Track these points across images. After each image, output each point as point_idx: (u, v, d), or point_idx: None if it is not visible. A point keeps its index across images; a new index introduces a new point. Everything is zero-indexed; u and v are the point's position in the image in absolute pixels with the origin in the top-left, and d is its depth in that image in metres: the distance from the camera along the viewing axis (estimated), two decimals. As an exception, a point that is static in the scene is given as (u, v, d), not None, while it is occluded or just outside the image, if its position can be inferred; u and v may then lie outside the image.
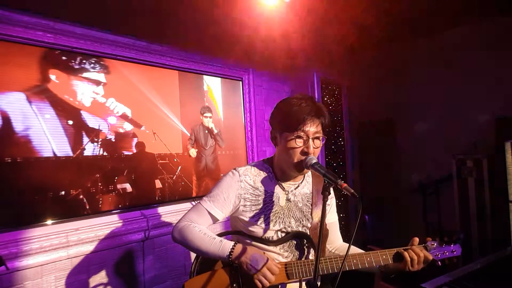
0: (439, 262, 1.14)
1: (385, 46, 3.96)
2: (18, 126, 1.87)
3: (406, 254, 1.08)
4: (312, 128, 1.08)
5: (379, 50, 4.06)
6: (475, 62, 3.31)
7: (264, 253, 1.08)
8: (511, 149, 2.63)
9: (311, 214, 1.20)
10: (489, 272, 1.62)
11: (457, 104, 3.47)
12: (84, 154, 2.13)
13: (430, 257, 1.11)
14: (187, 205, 2.62)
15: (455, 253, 1.14)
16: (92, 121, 2.17)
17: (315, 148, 1.09)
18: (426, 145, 3.71)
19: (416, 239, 1.14)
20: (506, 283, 1.53)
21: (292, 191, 1.20)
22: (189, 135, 2.70)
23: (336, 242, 1.33)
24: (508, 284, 1.51)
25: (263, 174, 1.20)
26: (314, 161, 1.06)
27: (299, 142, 1.08)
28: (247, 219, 1.14)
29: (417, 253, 1.08)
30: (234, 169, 1.20)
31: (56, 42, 2.01)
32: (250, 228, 1.15)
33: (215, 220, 1.16)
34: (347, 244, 1.31)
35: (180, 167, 2.62)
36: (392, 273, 1.15)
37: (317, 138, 1.10)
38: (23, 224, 1.87)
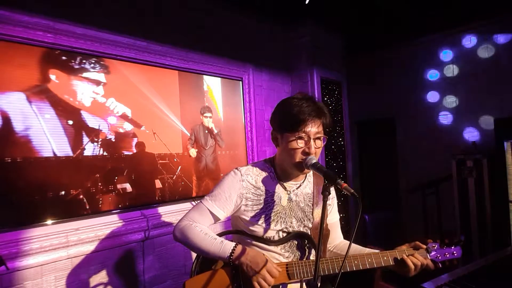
0: (440, 264, 1.14)
1: (386, 46, 3.96)
2: (18, 126, 1.87)
3: (409, 261, 1.08)
4: (313, 128, 1.08)
5: (379, 50, 4.06)
6: (475, 61, 3.32)
7: (264, 254, 1.08)
8: (511, 149, 2.63)
9: (312, 214, 1.20)
10: (489, 272, 1.62)
11: (457, 104, 3.48)
12: (84, 154, 2.12)
13: (432, 268, 1.11)
14: (187, 205, 2.62)
15: (455, 255, 1.15)
16: (92, 121, 2.17)
17: (317, 149, 1.09)
18: (426, 145, 3.71)
19: (419, 244, 1.13)
20: (506, 283, 1.53)
21: (294, 191, 1.19)
22: (189, 135, 2.70)
23: (336, 241, 1.32)
24: (508, 284, 1.51)
25: (264, 174, 1.19)
26: (314, 161, 1.05)
27: (301, 143, 1.08)
28: (248, 219, 1.14)
29: (422, 262, 1.08)
30: (236, 168, 1.20)
31: (56, 42, 2.01)
32: (251, 228, 1.15)
33: (216, 219, 1.15)
34: (347, 242, 1.32)
35: (180, 167, 2.62)
36: (391, 271, 1.15)
37: (319, 138, 1.10)
38: (23, 224, 1.87)
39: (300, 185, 1.21)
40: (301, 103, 1.09)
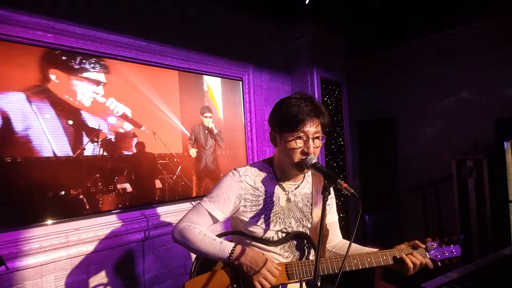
0: (439, 263, 1.13)
1: (386, 46, 3.96)
2: (18, 126, 1.87)
3: (408, 260, 1.08)
4: (312, 128, 1.08)
5: (379, 50, 4.06)
6: (475, 62, 3.32)
7: (264, 254, 1.08)
8: (511, 149, 2.63)
9: (311, 214, 1.20)
10: (489, 272, 1.62)
11: (457, 104, 3.48)
12: (84, 154, 2.12)
13: (431, 267, 1.11)
14: (187, 205, 2.62)
15: (454, 253, 1.14)
16: (92, 121, 2.17)
17: (315, 148, 1.09)
18: (426, 145, 3.71)
19: (418, 243, 1.13)
20: (506, 283, 1.53)
21: (292, 191, 1.19)
22: (189, 135, 2.70)
23: (335, 241, 1.32)
24: (508, 284, 1.51)
25: (263, 175, 1.19)
26: (314, 161, 1.05)
27: (299, 143, 1.08)
28: (247, 220, 1.14)
29: (420, 261, 1.08)
30: (234, 169, 1.19)
31: (56, 42, 2.01)
32: (250, 229, 1.15)
33: (215, 220, 1.15)
34: (346, 241, 1.31)
35: (180, 167, 2.62)
36: (390, 271, 1.15)
37: (317, 138, 1.10)
38: (23, 224, 1.87)
39: (298, 186, 1.21)
40: (299, 103, 1.09)
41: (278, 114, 1.14)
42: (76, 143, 2.09)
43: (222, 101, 2.98)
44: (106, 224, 2.16)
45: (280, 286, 1.10)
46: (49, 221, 1.95)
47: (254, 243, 1.15)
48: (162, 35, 2.50)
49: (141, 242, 2.31)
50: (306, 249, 1.19)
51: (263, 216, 1.14)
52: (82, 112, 2.13)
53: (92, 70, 2.19)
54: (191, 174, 2.71)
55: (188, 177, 2.68)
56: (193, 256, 1.17)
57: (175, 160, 2.60)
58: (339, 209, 1.40)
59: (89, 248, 2.06)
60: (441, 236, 1.17)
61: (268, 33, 3.36)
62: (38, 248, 1.86)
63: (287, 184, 1.19)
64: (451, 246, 1.15)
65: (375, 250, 1.15)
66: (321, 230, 0.88)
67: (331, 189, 1.09)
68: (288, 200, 1.18)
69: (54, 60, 2.03)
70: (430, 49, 3.66)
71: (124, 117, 2.33)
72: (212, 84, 2.92)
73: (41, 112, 1.96)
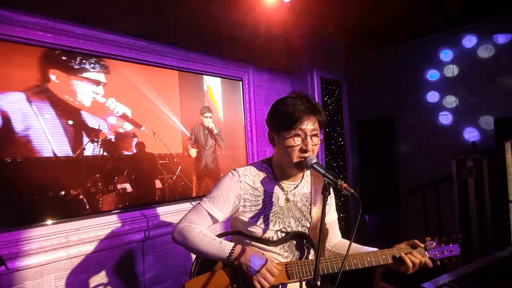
0: (438, 262, 1.14)
1: (386, 46, 3.96)
2: (18, 126, 1.87)
3: (407, 259, 1.08)
4: (309, 125, 1.08)
5: (379, 50, 4.06)
6: (475, 61, 3.32)
7: (263, 254, 1.08)
8: (511, 149, 2.63)
9: (310, 214, 1.20)
10: (489, 272, 1.62)
11: (457, 103, 3.48)
12: (84, 154, 2.13)
13: (430, 265, 1.11)
14: (187, 205, 2.62)
15: (453, 252, 1.15)
16: (92, 121, 2.17)
17: (314, 146, 1.09)
18: (426, 145, 3.71)
19: (417, 243, 1.13)
20: (506, 283, 1.53)
21: (291, 191, 1.20)
22: (189, 135, 2.70)
23: (334, 240, 1.33)
24: (508, 284, 1.51)
25: (262, 175, 1.20)
26: (314, 161, 1.05)
27: (297, 141, 1.08)
28: (246, 220, 1.14)
29: (420, 260, 1.08)
30: (234, 169, 1.20)
31: (56, 42, 2.01)
32: (249, 229, 1.15)
33: (215, 221, 1.16)
34: (345, 241, 1.31)
35: (180, 167, 2.62)
36: (390, 270, 1.15)
37: (315, 135, 1.10)
38: (23, 224, 1.87)
39: (297, 185, 1.21)
40: (295, 101, 1.10)
41: (275, 114, 1.15)
42: (76, 143, 2.09)
43: (222, 101, 2.98)
44: (106, 224, 2.16)
45: (280, 286, 1.10)
46: (49, 221, 1.95)
47: (253, 243, 1.15)
48: (162, 35, 2.50)
49: (141, 242, 2.31)
50: (306, 249, 1.19)
51: (262, 216, 1.14)
52: (82, 112, 2.13)
53: (92, 70, 2.19)
54: (191, 174, 2.71)
55: (188, 177, 2.68)
56: (193, 256, 1.17)
57: (175, 160, 2.60)
58: (339, 209, 1.40)
59: (89, 248, 2.06)
60: (440, 235, 1.17)
61: (269, 32, 3.35)
62: (38, 248, 1.87)
63: (286, 184, 1.20)
64: (450, 245, 1.15)
65: (375, 249, 1.16)
66: (321, 230, 0.88)
67: (331, 189, 1.09)
68: (287, 200, 1.18)
69: (54, 60, 2.03)
70: (430, 49, 3.66)
71: (124, 117, 2.33)
72: (212, 84, 2.92)
73: (41, 112, 1.96)
